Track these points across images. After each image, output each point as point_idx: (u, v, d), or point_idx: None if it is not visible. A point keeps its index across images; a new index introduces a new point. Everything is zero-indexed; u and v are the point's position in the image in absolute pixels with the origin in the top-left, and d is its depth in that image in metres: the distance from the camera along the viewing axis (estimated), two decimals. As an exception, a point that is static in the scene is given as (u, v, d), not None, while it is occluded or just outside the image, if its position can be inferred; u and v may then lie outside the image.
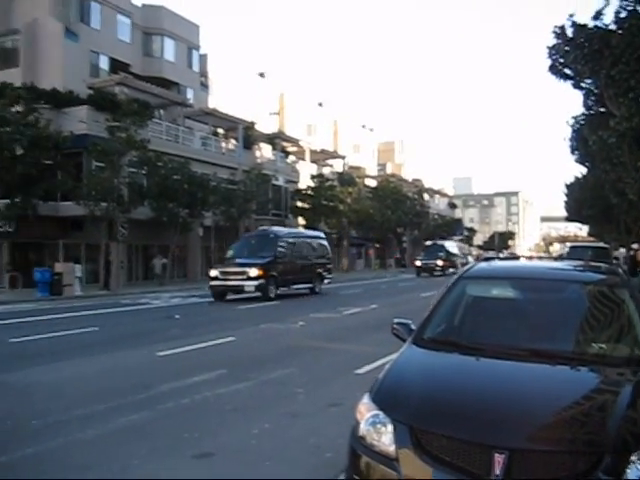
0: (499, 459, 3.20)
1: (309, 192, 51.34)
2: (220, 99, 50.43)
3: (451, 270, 48.51)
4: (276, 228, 28.76)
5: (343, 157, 65.58)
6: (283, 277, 24.59)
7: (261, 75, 59.56)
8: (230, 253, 26.02)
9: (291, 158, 56.07)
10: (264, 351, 11.71)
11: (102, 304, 23.14)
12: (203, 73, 51.11)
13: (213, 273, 24.27)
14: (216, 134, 47.86)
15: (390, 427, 3.56)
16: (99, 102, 34.36)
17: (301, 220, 52.27)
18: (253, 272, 23.05)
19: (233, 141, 47.43)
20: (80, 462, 5.48)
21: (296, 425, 6.67)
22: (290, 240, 26.62)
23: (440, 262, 49.48)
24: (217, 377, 9.06)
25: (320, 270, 28.23)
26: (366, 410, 3.78)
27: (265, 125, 53.82)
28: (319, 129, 66.92)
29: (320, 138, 65.11)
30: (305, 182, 53.17)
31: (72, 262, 30.16)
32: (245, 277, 23.11)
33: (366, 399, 3.88)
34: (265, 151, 51.29)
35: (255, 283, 23.04)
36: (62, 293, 27.02)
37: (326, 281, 29.02)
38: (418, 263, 50.50)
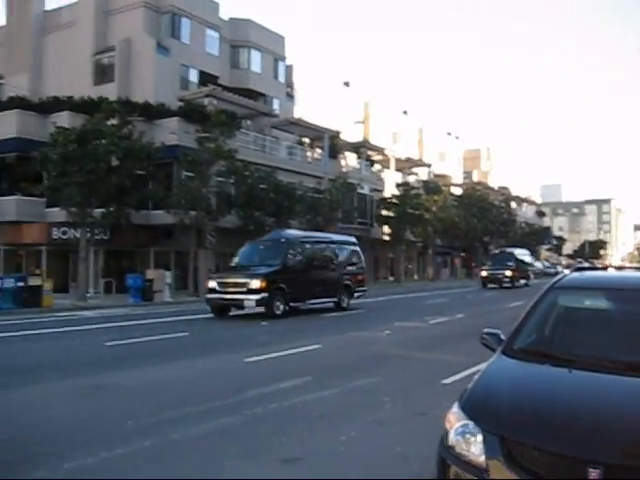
0: (594, 474, 3.13)
1: (394, 200, 51.18)
2: (306, 109, 50.99)
3: (522, 282, 45.30)
4: (290, 231, 24.77)
5: (428, 165, 65.15)
6: (294, 290, 20.77)
7: (346, 84, 59.90)
8: (235, 260, 22.47)
9: (376, 166, 56.10)
10: (350, 359, 11.76)
11: (191, 310, 23.74)
12: (289, 83, 51.81)
13: (211, 284, 20.76)
14: (302, 143, 48.42)
15: (480, 437, 3.54)
16: (189, 114, 35.36)
17: (386, 228, 52.21)
18: (254, 284, 19.53)
19: (318, 150, 47.86)
20: (174, 462, 5.68)
21: (383, 433, 6.68)
22: (307, 246, 22.66)
23: (509, 272, 43.92)
24: (304, 384, 9.16)
25: (348, 282, 24.05)
26: (455, 419, 3.77)
27: (350, 134, 54.07)
28: (404, 137, 66.66)
29: (405, 146, 64.85)
30: (390, 190, 53.07)
31: (162, 269, 31.11)
32: (245, 290, 19.63)
33: (455, 408, 3.87)
34: (350, 160, 51.56)
35: (256, 297, 19.49)
36: (153, 299, 27.87)
37: (357, 294, 24.85)
38: (484, 273, 45.20)
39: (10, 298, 23.73)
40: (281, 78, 50.11)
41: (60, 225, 32.45)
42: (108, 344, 13.77)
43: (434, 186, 58.59)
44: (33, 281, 25.06)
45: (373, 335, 15.49)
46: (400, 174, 58.83)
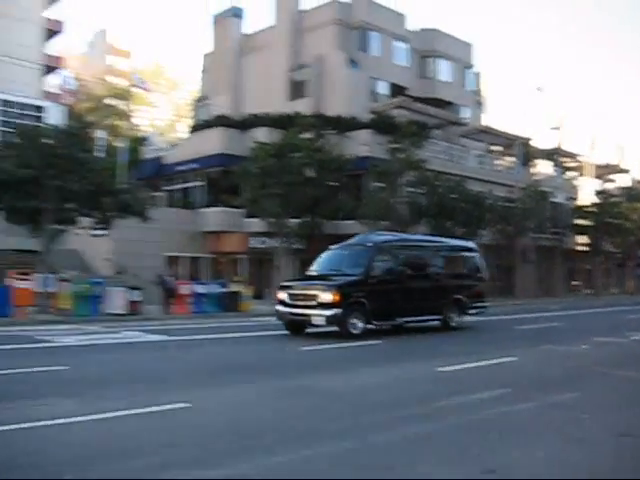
0: None
1: (591, 209, 48.65)
2: (495, 116, 50.21)
3: None
4: (379, 234, 20.67)
5: (627, 171, 61.22)
6: (380, 305, 17.10)
7: (538, 89, 57.91)
8: (313, 268, 19.29)
9: (571, 174, 53.68)
10: (547, 373, 11.39)
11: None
12: (477, 91, 51.09)
13: (280, 295, 17.80)
14: (491, 152, 47.51)
15: None
16: (379, 125, 36.01)
17: (582, 239, 49.76)
18: (325, 297, 16.32)
19: (509, 158, 46.68)
20: (377, 463, 5.83)
21: (582, 452, 6.41)
22: (401, 252, 18.76)
23: None
24: (499, 396, 9.01)
25: (459, 295, 19.77)
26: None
27: (543, 140, 52.26)
28: (601, 142, 63.23)
29: (602, 152, 61.47)
30: (586, 198, 50.54)
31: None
32: (315, 304, 16.49)
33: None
34: (543, 167, 49.76)
35: (327, 313, 16.18)
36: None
37: (474, 311, 20.66)
38: None
39: (215, 302, 25.55)
40: (469, 86, 49.61)
41: (257, 235, 34.32)
42: (304, 348, 14.31)
43: (636, 193, 54.99)
44: (234, 287, 26.83)
45: (569, 349, 14.87)
46: (597, 181, 55.82)
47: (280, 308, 17.57)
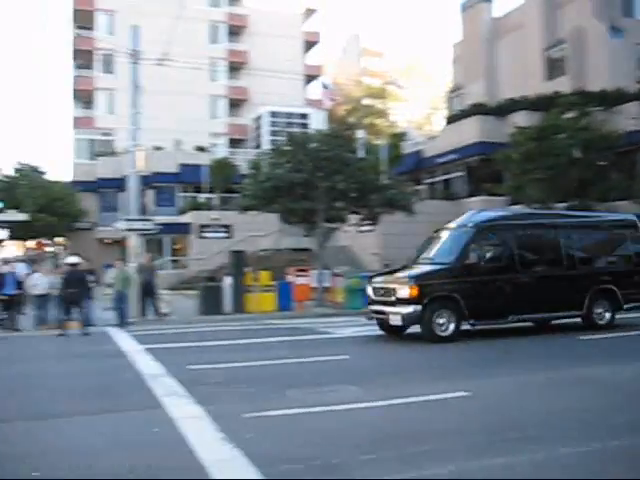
0: None
1: None
2: None
3: None
4: (487, 212, 16.60)
5: None
6: (480, 300, 13.99)
7: None
8: (416, 255, 16.05)
9: None
10: None
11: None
12: None
13: (368, 289, 15.57)
14: None
15: None
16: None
17: None
18: (402, 291, 13.71)
19: None
20: None
21: None
22: (516, 232, 15.10)
23: None
24: None
25: (609, 284, 15.34)
26: None
27: None
28: None
29: None
30: None
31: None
32: (394, 299, 13.95)
33: None
34: None
35: (403, 310, 13.61)
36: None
37: (631, 304, 15.65)
38: None
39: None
40: None
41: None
42: (582, 338, 13.75)
43: None
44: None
45: None
46: None
47: (369, 305, 15.51)
